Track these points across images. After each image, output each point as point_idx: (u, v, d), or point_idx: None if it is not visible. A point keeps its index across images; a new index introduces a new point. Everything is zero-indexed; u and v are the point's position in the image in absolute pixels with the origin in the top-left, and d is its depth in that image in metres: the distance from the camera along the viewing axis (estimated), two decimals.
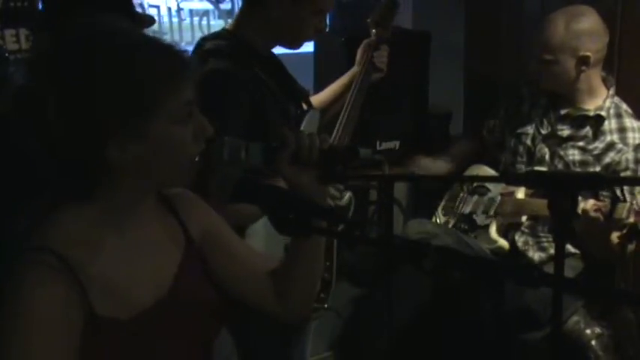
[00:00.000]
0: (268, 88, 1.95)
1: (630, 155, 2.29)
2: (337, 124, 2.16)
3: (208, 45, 1.95)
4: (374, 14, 2.25)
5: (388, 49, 2.26)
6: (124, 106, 1.04)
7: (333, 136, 2.15)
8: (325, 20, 2.01)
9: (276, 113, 1.94)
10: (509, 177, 2.24)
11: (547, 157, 2.41)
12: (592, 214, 2.06)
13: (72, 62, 1.05)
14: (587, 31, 2.27)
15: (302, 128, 2.03)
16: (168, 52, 1.11)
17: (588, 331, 2.23)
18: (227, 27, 2.04)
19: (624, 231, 2.06)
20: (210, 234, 1.28)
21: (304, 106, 2.10)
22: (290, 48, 2.07)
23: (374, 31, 2.24)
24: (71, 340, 1.04)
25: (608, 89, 2.38)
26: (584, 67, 2.29)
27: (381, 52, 2.23)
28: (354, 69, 2.26)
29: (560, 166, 2.37)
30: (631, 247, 2.19)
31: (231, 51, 1.92)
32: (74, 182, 1.09)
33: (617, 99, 2.39)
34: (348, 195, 2.24)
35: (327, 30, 2.06)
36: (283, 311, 1.33)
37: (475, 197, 2.61)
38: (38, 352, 1.02)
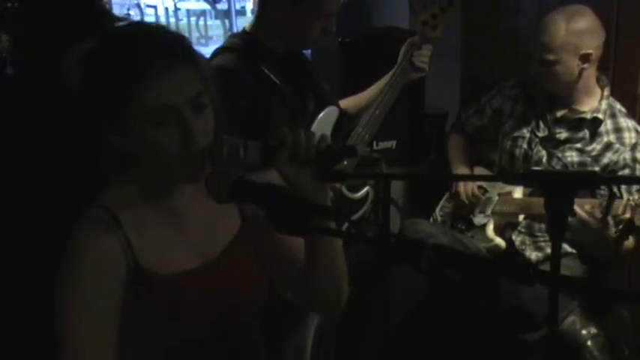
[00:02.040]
0: (275, 86, 1.98)
1: (627, 155, 2.30)
2: (361, 121, 2.17)
3: (225, 42, 2.07)
4: (424, 12, 2.23)
5: (431, 48, 2.23)
6: (101, 106, 1.15)
7: (356, 129, 2.16)
8: (333, 23, 2.02)
9: (281, 111, 1.97)
10: (507, 176, 2.25)
11: (544, 159, 2.42)
12: (588, 212, 2.07)
13: (70, 63, 1.17)
14: (587, 28, 2.29)
15: (315, 124, 2.05)
16: (147, 56, 1.13)
17: (584, 332, 2.24)
18: (247, 27, 2.10)
19: (620, 227, 2.08)
20: (258, 216, 1.35)
21: (325, 104, 2.13)
22: (299, 49, 2.13)
23: (420, 29, 2.22)
24: (116, 286, 1.19)
25: (602, 89, 2.40)
26: (585, 65, 2.31)
27: (423, 52, 2.21)
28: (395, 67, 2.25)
29: (558, 167, 2.38)
30: (627, 243, 2.20)
31: (242, 48, 1.99)
32: (112, 161, 1.23)
33: (611, 99, 2.40)
34: (365, 189, 2.25)
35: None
36: (312, 302, 1.41)
37: (476, 198, 2.62)
38: (87, 289, 1.17)
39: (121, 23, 1.23)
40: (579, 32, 2.28)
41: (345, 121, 2.21)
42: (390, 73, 2.25)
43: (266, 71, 1.97)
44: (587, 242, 2.26)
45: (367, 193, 2.31)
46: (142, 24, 1.24)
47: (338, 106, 2.21)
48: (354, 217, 2.29)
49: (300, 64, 2.17)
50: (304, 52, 2.31)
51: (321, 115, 2.10)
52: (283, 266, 1.37)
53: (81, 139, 1.21)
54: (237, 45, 2.02)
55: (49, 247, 1.24)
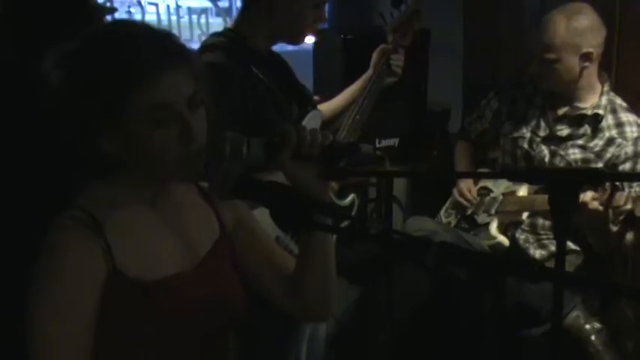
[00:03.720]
0: (265, 85, 1.96)
1: (630, 149, 2.30)
2: (343, 125, 2.16)
3: (209, 40, 2.02)
4: (393, 21, 2.26)
5: (404, 53, 2.27)
6: (92, 106, 1.12)
7: (339, 134, 2.15)
8: (324, 11, 2.02)
9: (273, 110, 1.95)
10: (510, 172, 2.25)
11: (547, 158, 2.42)
12: (591, 205, 2.07)
13: (54, 63, 1.15)
14: (587, 27, 2.28)
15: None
16: (146, 54, 1.12)
17: (588, 326, 2.25)
18: (230, 26, 2.07)
19: (621, 218, 2.09)
20: (241, 224, 1.37)
21: (307, 107, 2.11)
22: (291, 43, 2.08)
23: (391, 36, 2.25)
24: (92, 289, 1.15)
25: (602, 85, 2.40)
26: (587, 64, 2.31)
27: (398, 56, 2.24)
28: (368, 72, 2.26)
29: (561, 165, 2.38)
30: (629, 236, 2.21)
31: (229, 46, 1.95)
32: (94, 163, 1.20)
33: (611, 94, 2.40)
34: (351, 196, 2.25)
35: (326, 27, 2.07)
36: (299, 310, 1.38)
37: (477, 198, 2.62)
38: (61, 290, 1.13)
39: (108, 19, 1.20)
40: (580, 31, 2.27)
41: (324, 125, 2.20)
42: (363, 78, 2.27)
43: (254, 70, 1.94)
44: (591, 236, 2.26)
45: (353, 200, 2.30)
46: (128, 22, 1.20)
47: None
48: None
49: (281, 66, 2.15)
50: (307, 50, 2.30)
51: (307, 117, 2.08)
52: (270, 277, 1.37)
53: (61, 140, 1.18)
54: (223, 43, 1.97)
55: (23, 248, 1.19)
